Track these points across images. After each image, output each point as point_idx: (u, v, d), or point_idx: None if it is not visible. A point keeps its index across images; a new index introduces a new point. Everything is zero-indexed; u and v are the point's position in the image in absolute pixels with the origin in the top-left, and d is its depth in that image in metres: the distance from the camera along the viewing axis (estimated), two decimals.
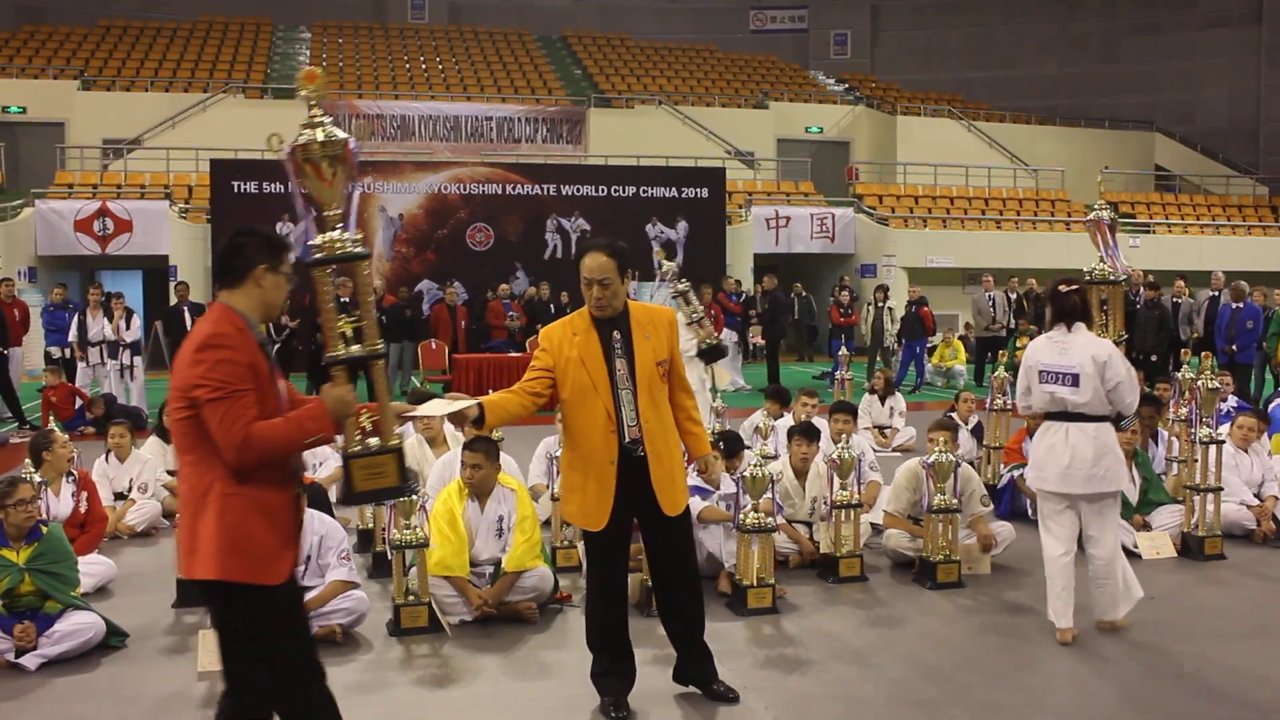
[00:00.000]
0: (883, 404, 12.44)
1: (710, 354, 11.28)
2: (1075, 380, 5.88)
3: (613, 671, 4.93)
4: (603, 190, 23.02)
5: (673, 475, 4.79)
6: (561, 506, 4.95)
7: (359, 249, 3.76)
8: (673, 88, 30.73)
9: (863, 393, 13.12)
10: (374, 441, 3.76)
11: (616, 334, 4.74)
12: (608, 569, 4.89)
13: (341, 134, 3.72)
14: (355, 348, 3.75)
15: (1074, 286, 6.19)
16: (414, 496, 5.89)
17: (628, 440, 4.68)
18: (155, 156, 24.24)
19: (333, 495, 8.84)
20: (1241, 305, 14.83)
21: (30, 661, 5.51)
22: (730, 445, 7.51)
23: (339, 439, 3.78)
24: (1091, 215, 8.43)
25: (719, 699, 5.03)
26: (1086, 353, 5.91)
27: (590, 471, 4.72)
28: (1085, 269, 7.81)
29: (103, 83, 27.00)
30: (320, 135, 3.68)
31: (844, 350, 14.31)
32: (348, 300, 14.97)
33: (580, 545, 7.19)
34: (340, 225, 3.74)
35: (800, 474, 7.55)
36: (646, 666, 5.15)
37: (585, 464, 4.74)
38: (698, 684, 5.09)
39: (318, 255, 3.72)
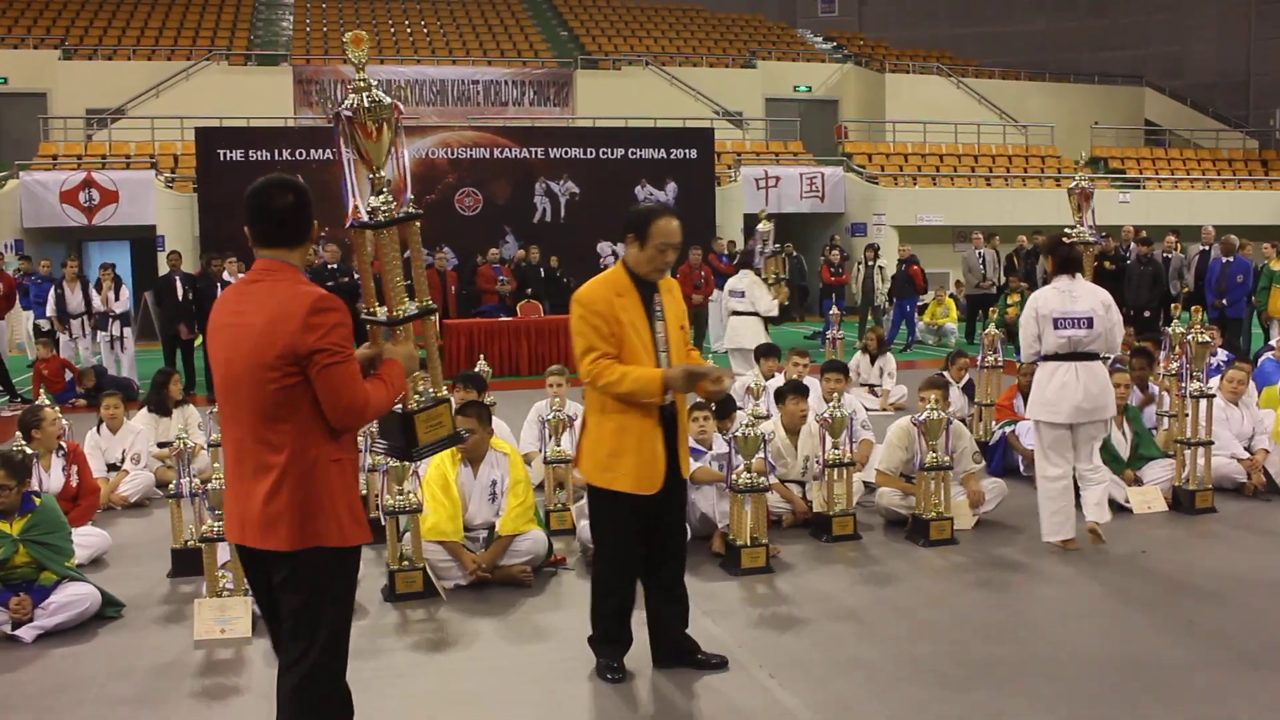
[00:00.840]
0: (873, 363, 12.46)
1: (783, 314, 11.55)
2: (1090, 323, 6.70)
3: (614, 638, 4.93)
4: (591, 152, 22.91)
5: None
6: (600, 474, 4.71)
7: (412, 209, 3.90)
8: (659, 48, 30.54)
9: (854, 352, 13.13)
10: (420, 396, 3.88)
11: (657, 297, 4.79)
12: (631, 535, 4.80)
13: (387, 98, 3.82)
14: (412, 305, 3.89)
15: (1072, 240, 6.82)
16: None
17: (667, 402, 4.74)
18: (140, 126, 24.06)
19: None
20: (1231, 259, 14.84)
21: (27, 633, 5.52)
22: (722, 406, 7.52)
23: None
24: (1075, 184, 9.11)
25: (710, 667, 4.99)
26: (1095, 298, 6.78)
27: (644, 435, 4.67)
28: (1066, 229, 8.23)
29: (84, 52, 26.75)
30: (366, 100, 3.78)
31: (835, 310, 14.37)
32: (335, 267, 14.99)
33: (580, 508, 7.21)
34: (386, 189, 3.85)
35: (792, 433, 7.56)
36: (639, 627, 5.16)
37: (639, 427, 4.67)
38: (685, 656, 5.01)
39: (380, 217, 3.81)
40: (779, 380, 9.42)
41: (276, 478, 3.41)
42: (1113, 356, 7.41)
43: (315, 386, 3.38)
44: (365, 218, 3.81)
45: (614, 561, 4.85)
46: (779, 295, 11.64)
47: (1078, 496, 6.93)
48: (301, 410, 3.40)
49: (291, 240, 3.56)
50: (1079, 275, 6.90)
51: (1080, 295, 6.76)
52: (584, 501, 7.03)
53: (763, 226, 12.20)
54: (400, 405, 3.83)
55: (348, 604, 3.64)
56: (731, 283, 11.41)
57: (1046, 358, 6.78)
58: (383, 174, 3.84)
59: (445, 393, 3.97)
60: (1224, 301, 14.71)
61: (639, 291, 4.73)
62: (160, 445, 8.92)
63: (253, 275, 3.56)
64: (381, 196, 3.83)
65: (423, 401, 3.87)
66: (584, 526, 6.80)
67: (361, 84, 3.79)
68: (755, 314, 11.17)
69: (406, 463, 5.94)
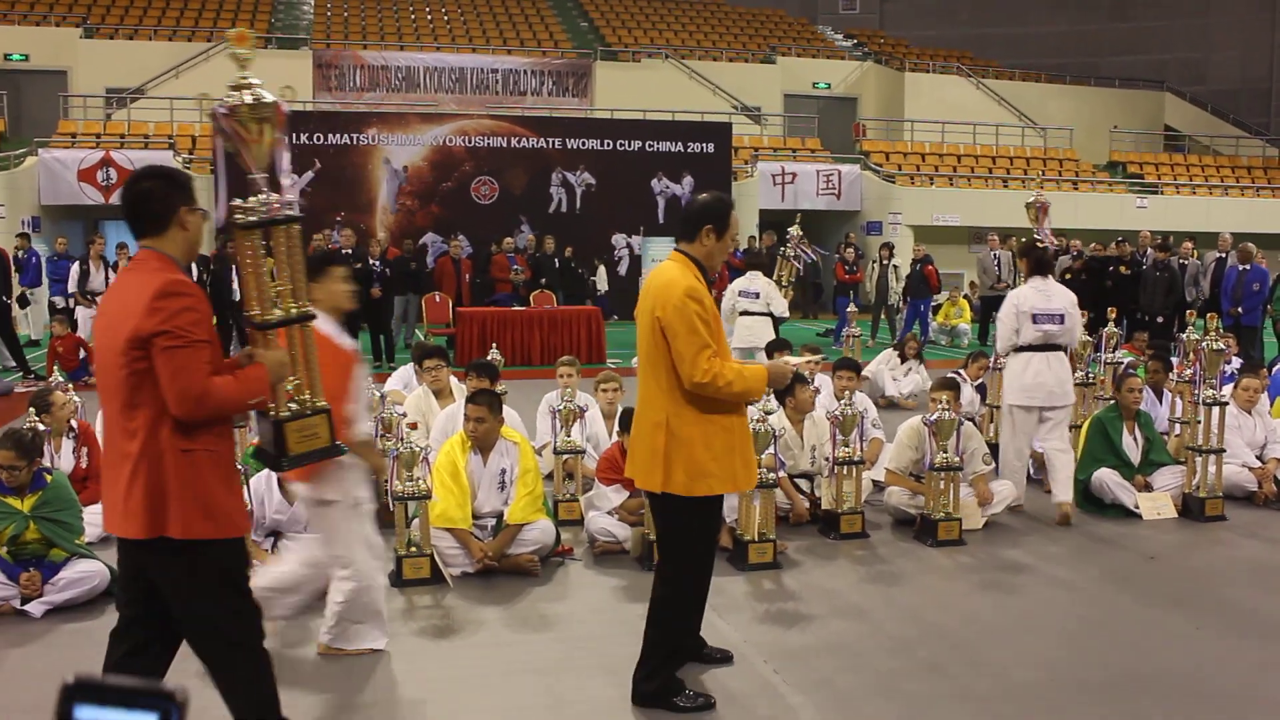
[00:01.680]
0: (903, 362, 12.52)
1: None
2: (1062, 319, 7.61)
3: (679, 651, 4.72)
4: (608, 144, 22.88)
5: None
6: (700, 481, 4.37)
7: (291, 211, 3.79)
8: (679, 41, 30.49)
9: (868, 351, 13.17)
10: (296, 406, 3.80)
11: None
12: (716, 538, 4.79)
13: (270, 96, 3.72)
14: (293, 309, 3.79)
15: (1042, 245, 8.72)
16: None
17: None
18: (159, 106, 24.11)
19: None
20: (1248, 267, 14.75)
21: (36, 608, 5.56)
22: None
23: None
24: (1033, 198, 10.42)
25: (714, 662, 5.01)
26: (1066, 297, 7.76)
27: (744, 431, 4.55)
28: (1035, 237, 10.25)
29: (105, 31, 26.80)
30: (249, 97, 3.68)
31: (853, 306, 14.44)
32: (349, 251, 14.99)
33: (589, 500, 7.22)
34: (265, 190, 3.76)
35: (797, 424, 7.53)
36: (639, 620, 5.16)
37: (740, 425, 4.51)
38: (690, 651, 4.93)
39: (250, 219, 3.70)
40: None
41: (132, 466, 3.43)
42: (1127, 362, 7.86)
43: (156, 370, 3.36)
44: (237, 218, 3.70)
45: (705, 570, 4.60)
46: (787, 297, 11.96)
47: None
48: (153, 398, 3.39)
49: (151, 229, 3.54)
50: (1050, 276, 7.87)
51: (1054, 294, 7.70)
52: (593, 493, 7.06)
53: (795, 230, 12.66)
54: (272, 412, 3.77)
55: (224, 598, 3.60)
56: (743, 284, 11.33)
57: (1021, 349, 7.62)
58: (261, 174, 3.77)
59: (323, 403, 3.87)
60: (1239, 309, 14.62)
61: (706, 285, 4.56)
62: None
63: (128, 266, 3.63)
64: (258, 198, 3.73)
65: (295, 410, 3.77)
66: (593, 518, 6.81)
67: (243, 81, 3.71)
68: (767, 314, 11.22)
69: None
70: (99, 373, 3.56)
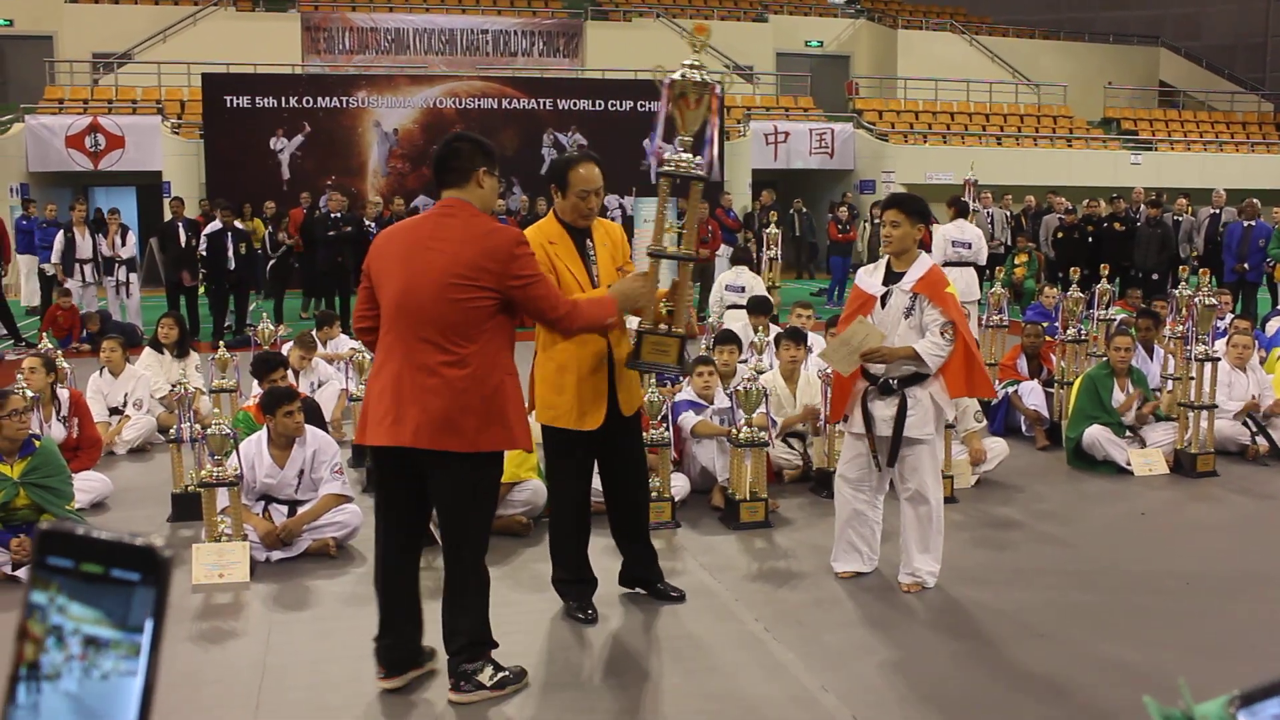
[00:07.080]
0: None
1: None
2: (970, 245, 10.75)
3: (576, 579, 5.11)
4: (599, 104, 22.73)
5: (630, 376, 4.94)
6: (545, 411, 4.84)
7: (699, 172, 4.69)
8: (671, 0, 30.22)
9: None
10: (664, 325, 4.68)
11: (589, 241, 4.90)
12: (582, 476, 5.04)
13: (709, 80, 4.67)
14: (672, 248, 4.77)
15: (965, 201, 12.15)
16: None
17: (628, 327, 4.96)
18: (146, 71, 23.90)
19: (328, 414, 8.83)
20: (1253, 223, 14.61)
21: (27, 574, 5.54)
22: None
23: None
24: (969, 176, 12.16)
25: (664, 598, 5.24)
26: (974, 231, 10.92)
27: (584, 371, 4.74)
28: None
29: None
30: (697, 76, 4.64)
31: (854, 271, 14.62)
32: (339, 216, 14.90)
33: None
34: (689, 150, 4.69)
35: (789, 380, 7.54)
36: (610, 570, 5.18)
37: (579, 364, 4.73)
38: (643, 585, 5.31)
39: (667, 168, 4.67)
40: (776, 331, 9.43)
41: (445, 384, 3.96)
42: (1119, 320, 7.75)
43: (522, 304, 4.07)
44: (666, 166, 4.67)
45: (566, 500, 5.04)
46: (775, 297, 12.29)
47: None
48: (489, 330, 4.01)
49: (454, 180, 4.12)
50: (969, 219, 11.66)
51: (966, 229, 11.60)
52: None
53: (771, 230, 13.04)
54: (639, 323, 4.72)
55: (488, 505, 4.32)
56: (730, 279, 11.65)
57: (945, 264, 9.62)
58: (688, 137, 4.69)
59: (681, 331, 4.68)
60: (1245, 265, 14.49)
61: (571, 238, 4.86)
62: (172, 387, 8.91)
63: (441, 210, 4.16)
64: (677, 154, 4.67)
65: (654, 328, 4.64)
66: None
67: (696, 64, 4.65)
68: None
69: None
70: (405, 295, 3.98)
